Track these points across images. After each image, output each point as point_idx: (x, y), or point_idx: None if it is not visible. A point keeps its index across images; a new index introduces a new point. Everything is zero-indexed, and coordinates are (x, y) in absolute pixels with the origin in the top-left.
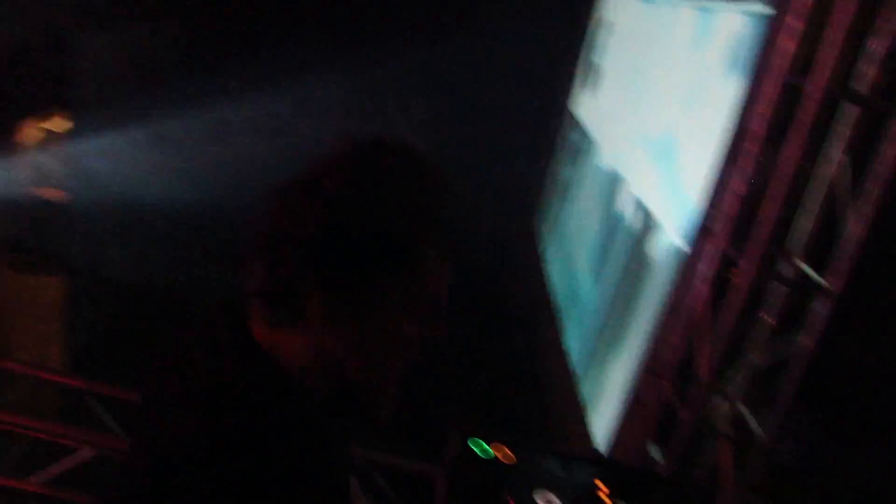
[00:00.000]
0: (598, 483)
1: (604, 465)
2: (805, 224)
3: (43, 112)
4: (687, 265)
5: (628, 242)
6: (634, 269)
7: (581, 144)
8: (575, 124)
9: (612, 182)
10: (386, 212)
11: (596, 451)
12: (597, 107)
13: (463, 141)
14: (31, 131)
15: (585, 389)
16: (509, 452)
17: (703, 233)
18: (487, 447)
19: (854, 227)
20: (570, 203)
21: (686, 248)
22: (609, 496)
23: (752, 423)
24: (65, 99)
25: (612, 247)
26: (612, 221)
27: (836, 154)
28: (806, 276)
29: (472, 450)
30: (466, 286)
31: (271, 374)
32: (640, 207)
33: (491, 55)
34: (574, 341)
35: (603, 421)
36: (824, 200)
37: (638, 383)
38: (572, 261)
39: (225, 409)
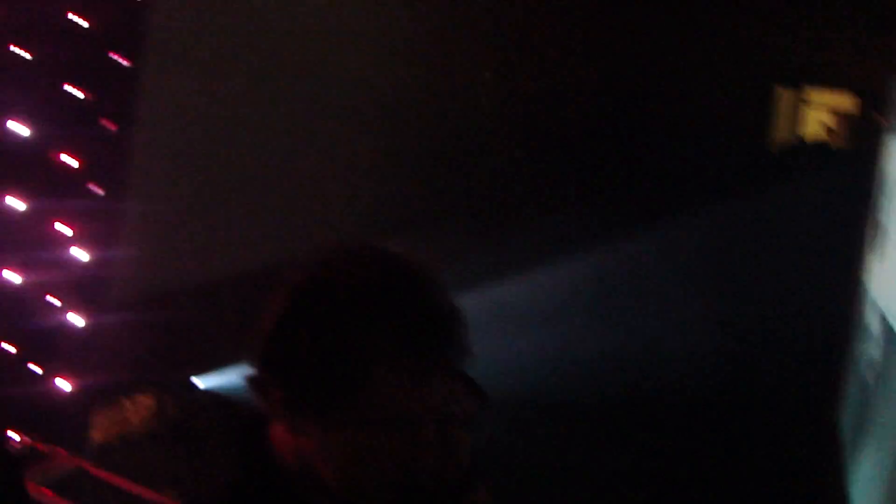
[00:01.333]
0: None
1: None
2: None
3: None
4: None
5: None
6: None
7: (877, 322)
8: (869, 299)
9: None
10: (330, 334)
11: None
12: (883, 272)
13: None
14: None
15: None
16: None
17: None
18: None
19: None
20: (876, 393)
21: None
22: None
23: None
24: None
25: None
26: None
27: None
28: None
29: None
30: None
31: (268, 472)
32: None
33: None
34: None
35: None
36: None
37: None
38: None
39: None
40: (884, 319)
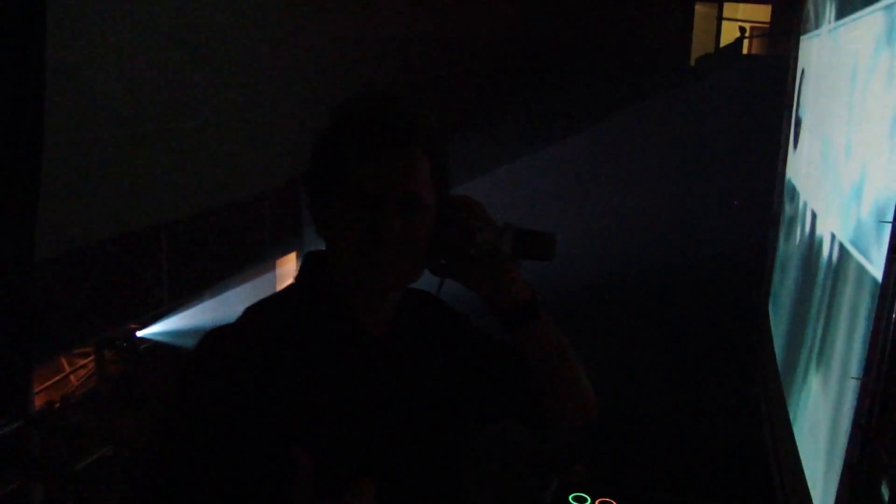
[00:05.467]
0: None
1: None
2: None
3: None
4: (883, 290)
5: (821, 275)
6: (838, 311)
7: (795, 206)
8: (790, 188)
9: (812, 226)
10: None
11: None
12: (800, 161)
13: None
14: None
15: (807, 459)
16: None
17: (893, 252)
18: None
19: None
20: (790, 271)
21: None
22: None
23: None
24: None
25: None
26: (823, 276)
27: None
28: None
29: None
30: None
31: (316, 293)
32: (845, 252)
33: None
34: (793, 401)
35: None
36: None
37: (849, 442)
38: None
39: (256, 309)
40: (802, 201)
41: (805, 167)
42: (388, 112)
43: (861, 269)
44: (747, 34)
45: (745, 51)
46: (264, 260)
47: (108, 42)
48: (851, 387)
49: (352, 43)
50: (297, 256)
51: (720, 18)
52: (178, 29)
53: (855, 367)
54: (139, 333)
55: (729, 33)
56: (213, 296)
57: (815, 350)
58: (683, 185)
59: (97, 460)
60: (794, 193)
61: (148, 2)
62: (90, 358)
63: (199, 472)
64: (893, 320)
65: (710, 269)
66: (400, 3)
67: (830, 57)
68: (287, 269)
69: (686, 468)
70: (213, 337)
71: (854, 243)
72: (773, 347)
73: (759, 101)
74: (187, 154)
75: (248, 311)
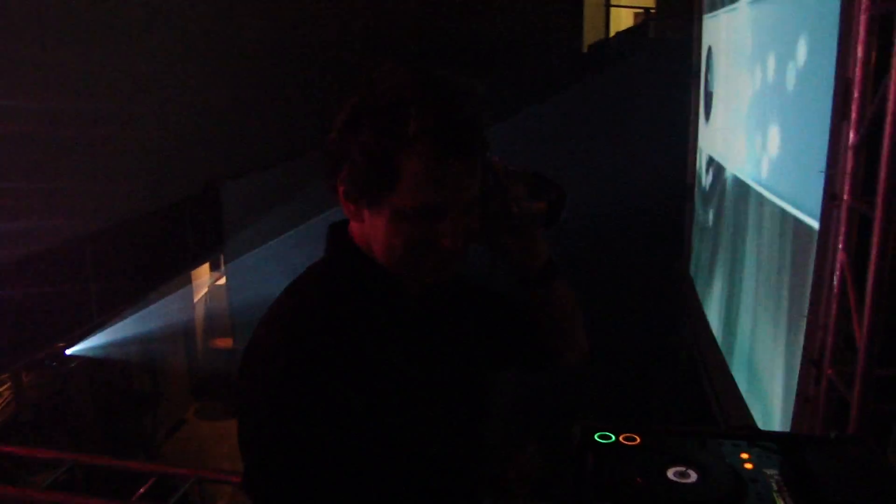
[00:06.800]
0: (744, 455)
1: (747, 437)
2: None
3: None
4: (821, 235)
5: (752, 233)
6: (771, 261)
7: (714, 174)
8: (706, 158)
9: (736, 189)
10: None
11: (736, 427)
12: (714, 131)
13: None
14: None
15: (746, 389)
16: (636, 437)
17: (830, 199)
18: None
19: None
20: (711, 233)
21: (817, 223)
22: (755, 464)
23: None
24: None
25: (745, 245)
26: (741, 226)
27: None
28: None
29: (597, 440)
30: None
31: (353, 261)
32: (762, 200)
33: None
34: (726, 339)
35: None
36: None
37: (800, 375)
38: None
39: (300, 285)
40: (716, 166)
41: (721, 136)
42: (453, 115)
43: (790, 217)
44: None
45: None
46: (188, 267)
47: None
48: (794, 325)
49: (264, 46)
50: (223, 262)
51: (608, 5)
52: (90, 31)
53: (793, 308)
54: (68, 351)
55: (618, 20)
56: (141, 307)
57: (751, 295)
58: (603, 168)
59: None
60: (710, 162)
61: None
62: (6, 385)
63: (334, 459)
64: (830, 259)
65: (635, 242)
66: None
67: (740, 31)
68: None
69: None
70: (280, 324)
71: (781, 196)
72: (700, 303)
73: (666, 81)
74: (101, 162)
75: (298, 290)
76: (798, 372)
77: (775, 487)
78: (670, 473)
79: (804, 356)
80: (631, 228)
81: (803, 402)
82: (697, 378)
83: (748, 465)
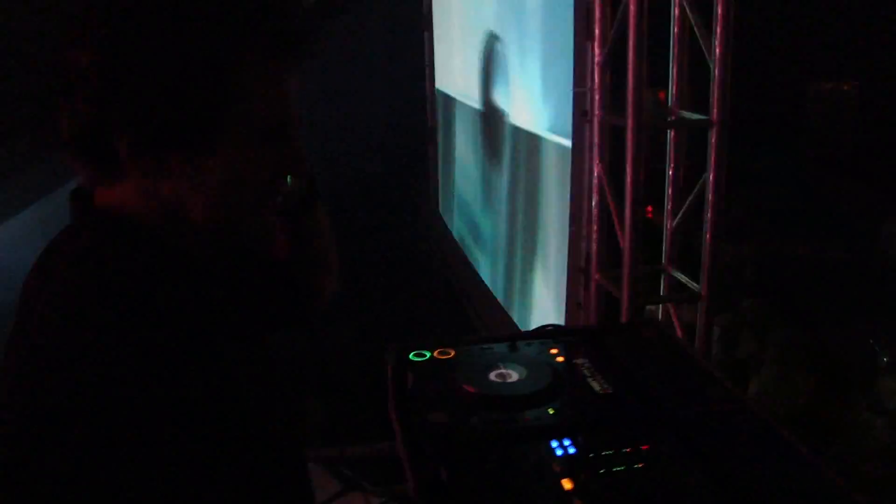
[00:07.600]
0: (553, 351)
1: (554, 335)
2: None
3: None
4: (575, 151)
5: (508, 162)
6: (526, 182)
7: (448, 108)
8: (442, 96)
9: (476, 117)
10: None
11: (540, 327)
12: (453, 70)
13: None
14: None
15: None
16: (450, 350)
17: (582, 115)
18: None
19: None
20: (452, 160)
21: (569, 140)
22: (566, 357)
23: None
24: None
25: (495, 172)
26: (486, 150)
27: None
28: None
29: (413, 360)
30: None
31: (126, 241)
32: (511, 128)
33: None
34: (489, 269)
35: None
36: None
37: (567, 283)
38: (467, 204)
39: (82, 287)
40: (446, 97)
41: (459, 74)
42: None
43: (543, 140)
44: None
45: None
46: None
47: None
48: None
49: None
50: None
51: None
52: None
53: (551, 224)
54: None
55: None
56: None
57: (506, 220)
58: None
59: None
60: (448, 100)
61: None
62: None
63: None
64: (587, 173)
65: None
66: None
67: None
68: None
69: None
70: (112, 295)
71: (529, 123)
72: (454, 239)
73: (395, 27)
74: None
75: (98, 257)
76: (566, 280)
77: (588, 374)
78: (492, 377)
79: (570, 265)
80: (382, 176)
81: (575, 306)
82: (461, 305)
83: (560, 359)
